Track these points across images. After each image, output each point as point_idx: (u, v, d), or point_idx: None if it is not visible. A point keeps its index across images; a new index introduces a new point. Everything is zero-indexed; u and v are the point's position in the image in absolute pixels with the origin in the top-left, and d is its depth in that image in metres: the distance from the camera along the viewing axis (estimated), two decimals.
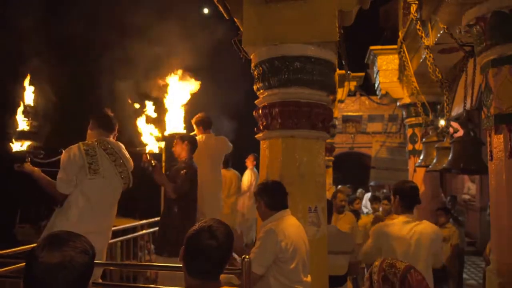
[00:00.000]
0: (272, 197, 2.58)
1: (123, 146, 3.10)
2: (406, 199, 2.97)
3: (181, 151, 3.84)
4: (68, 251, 1.16)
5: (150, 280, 4.88)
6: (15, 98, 2.97)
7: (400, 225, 2.93)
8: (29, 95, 3.01)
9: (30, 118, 2.98)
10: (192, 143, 3.89)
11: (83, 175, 2.80)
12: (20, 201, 14.99)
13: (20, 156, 2.87)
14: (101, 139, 2.96)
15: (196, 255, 1.51)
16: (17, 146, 2.93)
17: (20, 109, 2.98)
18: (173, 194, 3.58)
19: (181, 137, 3.92)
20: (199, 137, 4.45)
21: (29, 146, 2.92)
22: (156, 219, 5.26)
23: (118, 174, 2.94)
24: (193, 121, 4.59)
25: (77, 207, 2.77)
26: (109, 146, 2.94)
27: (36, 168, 2.87)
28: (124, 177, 2.98)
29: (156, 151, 3.47)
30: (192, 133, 4.46)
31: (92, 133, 3.03)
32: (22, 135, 2.93)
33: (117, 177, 2.94)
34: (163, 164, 4.33)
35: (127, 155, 3.10)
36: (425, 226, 2.93)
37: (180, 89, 4.11)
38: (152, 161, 3.39)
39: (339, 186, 8.98)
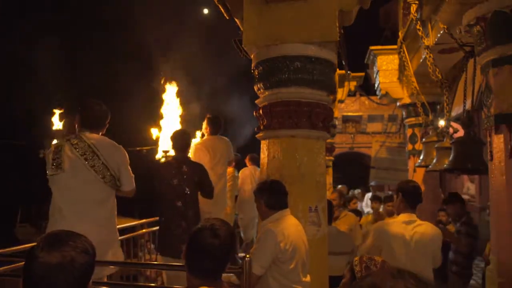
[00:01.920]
0: (271, 196, 2.57)
1: (106, 140, 2.94)
2: (408, 198, 2.98)
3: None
4: (68, 251, 1.16)
5: (150, 279, 4.89)
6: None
7: (401, 224, 2.93)
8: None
9: None
10: (174, 139, 3.85)
11: (48, 172, 2.83)
12: (21, 200, 15.00)
13: None
14: (75, 135, 2.91)
15: (198, 253, 1.51)
16: None
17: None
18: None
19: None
20: (205, 138, 4.54)
21: None
22: (156, 218, 5.29)
23: (90, 168, 2.78)
24: (206, 118, 4.67)
25: (52, 203, 2.80)
26: (78, 140, 2.83)
27: None
28: (100, 171, 2.80)
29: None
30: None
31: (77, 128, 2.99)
32: None
33: (88, 172, 2.78)
34: None
35: (110, 149, 2.91)
36: (426, 227, 2.94)
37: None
38: None
39: (339, 186, 9.00)
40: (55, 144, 2.91)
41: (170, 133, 4.04)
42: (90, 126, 2.92)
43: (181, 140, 3.83)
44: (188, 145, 3.94)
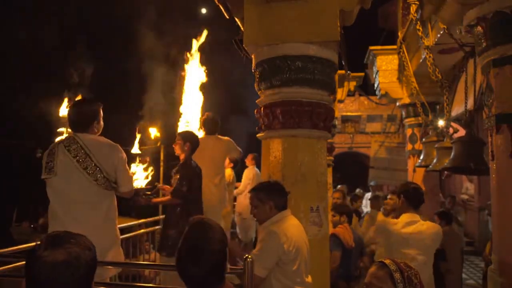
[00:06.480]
0: (281, 197, 2.50)
1: (101, 140, 2.83)
2: (410, 199, 3.00)
3: (181, 152, 3.81)
4: (72, 247, 1.16)
5: (148, 280, 4.87)
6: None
7: (403, 225, 2.94)
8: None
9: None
10: (193, 144, 3.86)
11: (42, 176, 2.76)
12: (17, 199, 14.95)
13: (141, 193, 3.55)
14: (68, 136, 2.85)
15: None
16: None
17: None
18: (176, 201, 3.70)
19: (183, 137, 3.85)
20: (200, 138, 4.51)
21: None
22: (155, 218, 5.29)
23: (83, 170, 2.69)
24: (201, 119, 4.65)
25: (49, 207, 2.75)
26: (71, 142, 2.74)
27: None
28: (92, 174, 2.70)
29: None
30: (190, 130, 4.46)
31: None
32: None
33: (80, 174, 2.69)
34: (161, 163, 4.36)
35: (105, 149, 2.80)
36: (428, 226, 2.95)
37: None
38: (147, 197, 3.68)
39: (339, 186, 9.00)
40: (51, 145, 2.82)
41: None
42: (79, 126, 2.81)
43: (197, 147, 3.93)
44: None
